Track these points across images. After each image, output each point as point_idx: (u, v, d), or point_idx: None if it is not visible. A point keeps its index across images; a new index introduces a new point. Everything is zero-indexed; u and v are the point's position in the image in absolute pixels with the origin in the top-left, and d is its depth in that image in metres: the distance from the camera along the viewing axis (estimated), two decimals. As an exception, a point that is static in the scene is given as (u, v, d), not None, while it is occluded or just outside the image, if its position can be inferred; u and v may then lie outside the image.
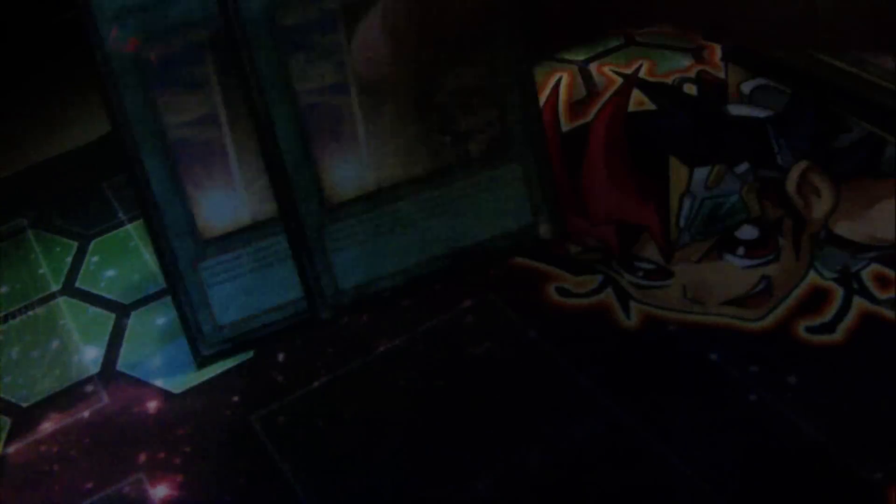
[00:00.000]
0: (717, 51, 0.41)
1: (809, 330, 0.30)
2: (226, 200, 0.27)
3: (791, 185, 0.34)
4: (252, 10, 0.24)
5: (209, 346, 0.28)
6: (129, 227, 0.36)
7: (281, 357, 0.31)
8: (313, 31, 0.25)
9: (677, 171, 0.35)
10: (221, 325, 0.28)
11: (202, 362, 0.29)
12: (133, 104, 0.25)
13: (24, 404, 0.30)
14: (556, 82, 0.39)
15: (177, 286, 0.27)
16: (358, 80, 0.26)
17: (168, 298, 0.33)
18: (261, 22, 0.25)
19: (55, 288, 0.34)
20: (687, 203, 0.34)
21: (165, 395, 0.30)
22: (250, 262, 0.27)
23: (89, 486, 0.28)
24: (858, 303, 0.30)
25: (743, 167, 0.35)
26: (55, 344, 0.32)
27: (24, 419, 0.30)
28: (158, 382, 0.31)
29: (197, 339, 0.28)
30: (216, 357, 0.29)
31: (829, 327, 0.30)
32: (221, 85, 0.26)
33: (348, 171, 0.26)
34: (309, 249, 0.27)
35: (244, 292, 0.28)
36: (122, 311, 0.33)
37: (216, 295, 0.28)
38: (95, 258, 0.35)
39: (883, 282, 0.31)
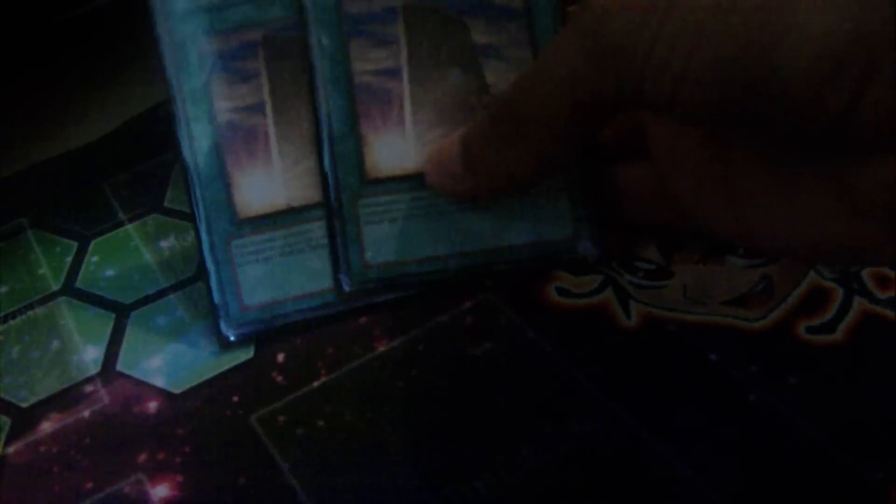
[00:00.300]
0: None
1: (810, 330, 0.30)
2: (264, 183, 0.28)
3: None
4: None
5: (233, 327, 0.29)
6: (129, 227, 0.36)
7: (281, 357, 0.31)
8: (375, 21, 0.28)
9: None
10: (248, 306, 0.28)
11: (224, 344, 0.29)
12: (191, 87, 0.28)
13: (24, 404, 0.30)
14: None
15: (209, 262, 0.29)
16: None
17: (168, 298, 0.33)
18: (330, 7, 0.28)
19: (55, 288, 0.34)
20: (687, 203, 0.34)
21: (165, 395, 0.30)
22: (282, 246, 0.29)
23: (89, 486, 0.28)
24: (859, 302, 0.30)
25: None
26: (55, 344, 0.32)
27: (24, 419, 0.30)
28: (158, 382, 0.31)
29: (222, 318, 0.29)
30: (239, 341, 0.29)
31: (830, 327, 0.30)
32: (270, 78, 0.28)
33: (391, 150, 0.28)
34: (342, 216, 0.28)
35: (273, 275, 0.29)
36: (122, 311, 0.33)
37: (245, 274, 0.29)
38: (95, 258, 0.35)
39: (883, 282, 0.31)
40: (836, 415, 0.27)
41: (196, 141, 0.28)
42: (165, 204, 0.37)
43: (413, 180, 0.29)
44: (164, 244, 0.35)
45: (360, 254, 0.28)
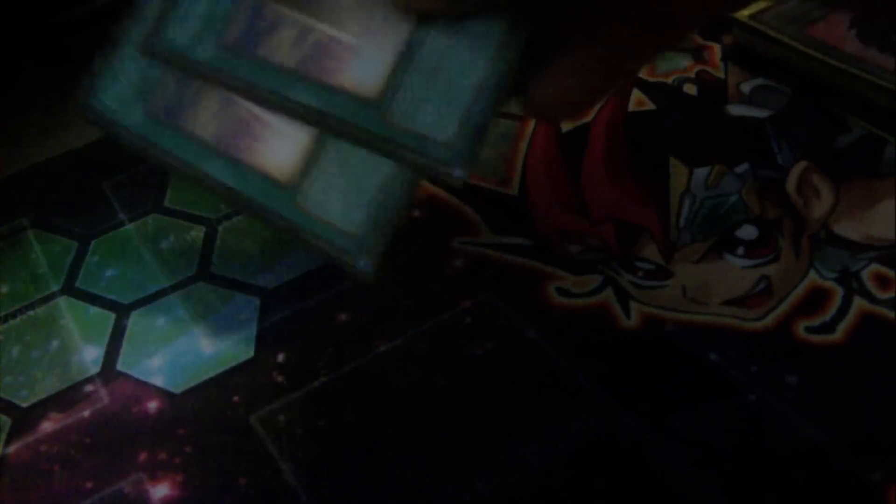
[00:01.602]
0: (717, 51, 0.41)
1: (809, 330, 0.30)
2: None
3: (791, 184, 0.34)
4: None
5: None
6: (129, 226, 0.36)
7: (281, 357, 0.31)
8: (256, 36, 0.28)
9: (677, 171, 0.35)
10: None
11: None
12: None
13: (24, 404, 0.30)
14: (556, 82, 0.39)
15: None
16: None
17: (168, 298, 0.33)
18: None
19: (55, 288, 0.34)
20: (687, 203, 0.34)
21: (165, 395, 0.30)
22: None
23: (89, 486, 0.28)
24: (858, 302, 0.30)
25: (743, 167, 0.35)
26: (55, 344, 0.32)
27: (24, 419, 0.30)
28: (158, 382, 0.31)
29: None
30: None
31: (829, 327, 0.30)
32: None
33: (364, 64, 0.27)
34: (383, 141, 0.26)
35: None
36: (122, 310, 0.33)
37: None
38: (95, 258, 0.35)
39: (883, 281, 0.31)
40: (836, 415, 0.27)
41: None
42: (165, 204, 0.37)
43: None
44: (164, 244, 0.35)
45: (429, 141, 0.26)
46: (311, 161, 0.27)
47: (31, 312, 0.33)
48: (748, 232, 0.33)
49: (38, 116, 0.42)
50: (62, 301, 0.34)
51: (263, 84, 0.28)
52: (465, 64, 0.26)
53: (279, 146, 0.28)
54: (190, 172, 0.28)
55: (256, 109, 0.28)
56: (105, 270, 0.35)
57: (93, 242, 0.36)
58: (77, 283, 0.34)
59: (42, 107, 0.42)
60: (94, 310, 0.33)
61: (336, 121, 0.27)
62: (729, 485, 0.26)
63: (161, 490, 0.27)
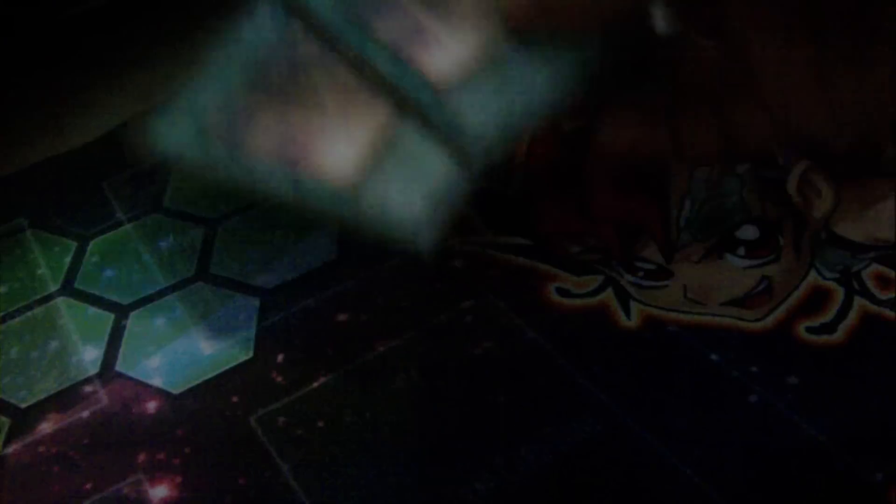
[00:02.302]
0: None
1: (810, 330, 0.30)
2: None
3: (792, 184, 0.34)
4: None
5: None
6: (127, 226, 0.36)
7: (281, 357, 0.31)
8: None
9: (678, 172, 0.35)
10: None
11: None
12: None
13: (23, 405, 0.30)
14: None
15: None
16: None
17: (167, 298, 0.33)
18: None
19: (54, 288, 0.34)
20: (687, 203, 0.34)
21: (165, 395, 0.30)
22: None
23: (89, 486, 0.28)
24: (859, 303, 0.30)
25: (743, 167, 0.35)
26: (54, 344, 0.32)
27: (24, 419, 0.30)
28: (158, 382, 0.30)
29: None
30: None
31: (830, 327, 0.30)
32: None
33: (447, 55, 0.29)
34: (433, 123, 0.28)
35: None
36: (121, 311, 0.33)
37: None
38: (94, 258, 0.35)
39: (883, 281, 0.31)
40: (836, 415, 0.27)
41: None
42: (165, 204, 0.37)
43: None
44: (163, 244, 0.35)
45: (469, 137, 0.28)
46: (370, 168, 0.28)
47: (29, 313, 0.33)
48: (749, 232, 0.33)
49: (38, 116, 0.42)
50: (61, 301, 0.34)
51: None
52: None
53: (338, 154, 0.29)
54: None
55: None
56: (104, 271, 0.35)
57: (92, 242, 0.36)
58: (76, 284, 0.34)
59: (42, 107, 0.42)
60: (92, 310, 0.33)
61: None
62: (729, 485, 0.26)
63: (160, 491, 0.27)
